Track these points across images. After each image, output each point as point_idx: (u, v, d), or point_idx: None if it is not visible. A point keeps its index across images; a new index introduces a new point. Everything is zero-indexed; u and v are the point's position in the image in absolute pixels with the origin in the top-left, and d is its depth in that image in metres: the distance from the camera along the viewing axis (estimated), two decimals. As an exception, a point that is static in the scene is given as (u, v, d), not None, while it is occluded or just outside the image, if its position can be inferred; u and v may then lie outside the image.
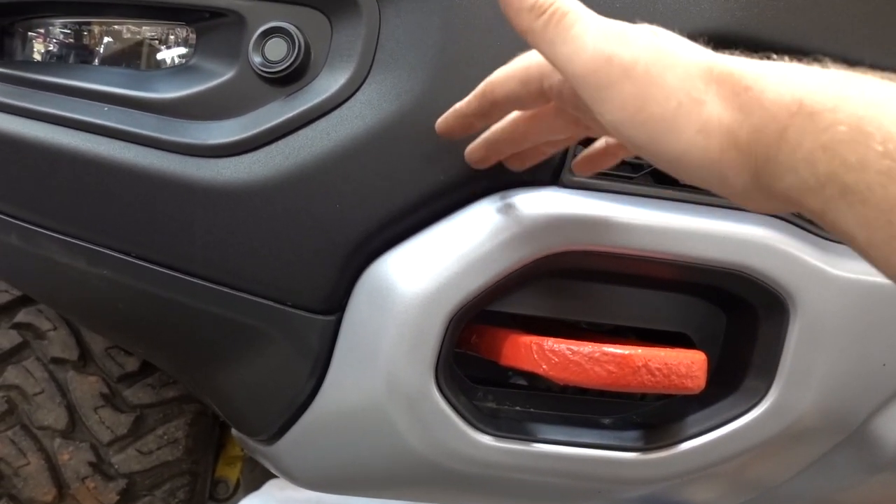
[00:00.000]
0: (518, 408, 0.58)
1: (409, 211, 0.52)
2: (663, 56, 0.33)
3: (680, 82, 0.32)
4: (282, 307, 0.55)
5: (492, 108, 0.44)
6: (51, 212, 0.55)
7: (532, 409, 0.58)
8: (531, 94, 0.41)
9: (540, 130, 0.45)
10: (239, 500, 1.08)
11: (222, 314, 0.56)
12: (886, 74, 0.30)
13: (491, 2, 0.51)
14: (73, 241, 0.55)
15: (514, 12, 0.37)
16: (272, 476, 1.13)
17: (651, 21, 0.51)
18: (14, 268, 0.61)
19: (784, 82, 0.30)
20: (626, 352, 0.48)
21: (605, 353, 0.48)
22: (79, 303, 0.62)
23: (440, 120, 0.48)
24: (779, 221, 0.55)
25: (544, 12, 0.35)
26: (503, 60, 0.51)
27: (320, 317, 0.55)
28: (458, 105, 0.46)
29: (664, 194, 0.55)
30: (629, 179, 0.56)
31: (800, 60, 0.33)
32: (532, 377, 0.62)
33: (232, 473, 1.06)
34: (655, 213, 0.53)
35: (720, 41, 0.52)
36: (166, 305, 0.56)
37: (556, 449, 0.55)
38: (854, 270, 0.55)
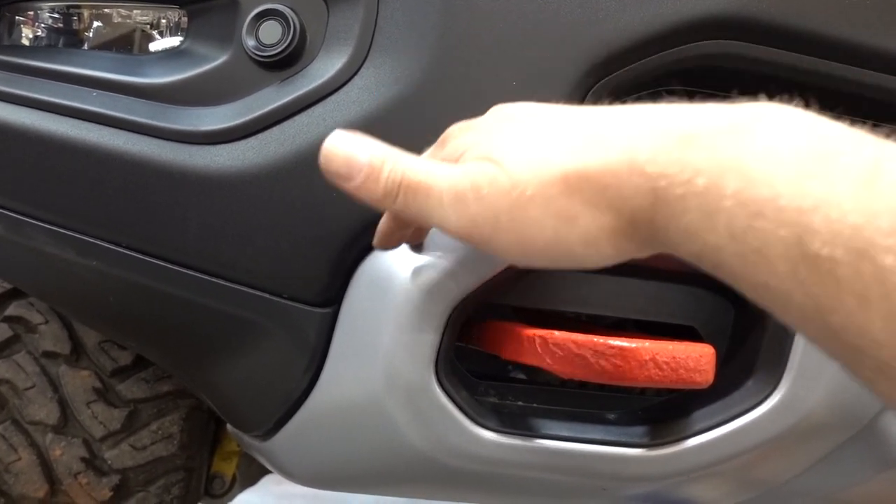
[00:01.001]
0: (520, 402, 0.57)
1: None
2: (518, 195, 0.33)
3: (545, 210, 0.33)
4: (277, 299, 0.53)
5: (406, 223, 0.46)
6: (38, 201, 0.54)
7: (535, 404, 0.57)
8: None
9: None
10: (235, 495, 1.07)
11: (216, 307, 0.54)
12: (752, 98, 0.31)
13: (493, -17, 0.49)
14: (62, 230, 0.54)
15: (375, 203, 0.38)
16: (268, 472, 1.11)
17: (659, 3, 0.50)
18: (2, 259, 0.59)
19: (635, 171, 0.31)
20: (633, 345, 0.46)
21: (612, 347, 0.46)
22: (68, 295, 0.60)
23: (374, 241, 0.49)
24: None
25: (397, 195, 0.37)
26: (503, 43, 0.50)
27: (317, 309, 0.53)
28: (380, 226, 0.48)
29: (671, 183, 0.53)
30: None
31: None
32: (530, 371, 0.61)
33: (228, 469, 1.04)
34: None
35: (725, 27, 0.51)
36: (158, 298, 0.55)
37: (559, 445, 0.54)
38: (866, 261, 0.53)
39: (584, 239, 0.33)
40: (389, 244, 0.49)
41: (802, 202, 0.25)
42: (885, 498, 0.69)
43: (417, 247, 0.51)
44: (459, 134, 0.40)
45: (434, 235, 0.51)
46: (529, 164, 0.34)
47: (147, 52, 0.59)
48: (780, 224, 0.26)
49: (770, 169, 0.27)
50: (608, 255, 0.34)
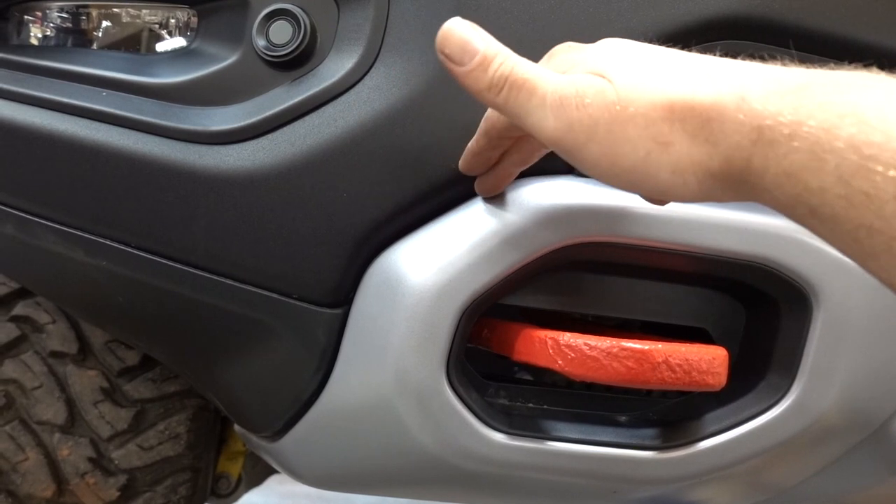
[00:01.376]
0: (531, 404, 0.57)
1: (420, 200, 0.51)
2: (621, 110, 0.34)
3: (643, 131, 0.33)
4: (287, 300, 0.53)
5: (499, 141, 0.45)
6: (47, 200, 0.54)
7: (545, 406, 0.57)
8: None
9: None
10: (241, 495, 1.07)
11: (225, 307, 0.54)
12: (855, 67, 0.32)
13: (505, -18, 0.49)
14: (71, 230, 0.54)
15: (478, 93, 0.38)
16: (274, 471, 1.11)
17: (669, 4, 0.50)
18: (10, 259, 0.59)
19: (743, 108, 0.31)
20: (646, 347, 0.46)
21: (624, 349, 0.46)
22: (77, 295, 0.60)
23: (461, 162, 0.48)
24: (802, 212, 0.53)
25: (502, 88, 0.37)
26: (516, 43, 0.50)
27: (327, 310, 0.53)
28: (470, 144, 0.47)
29: (683, 184, 0.53)
30: (647, 168, 0.54)
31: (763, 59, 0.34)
32: (537, 372, 0.61)
33: (234, 469, 1.04)
34: (675, 203, 0.51)
35: (738, 27, 0.51)
36: (167, 298, 0.55)
37: (570, 447, 0.53)
38: (880, 263, 0.53)
39: (674, 167, 0.33)
40: (474, 166, 0.48)
41: None
42: (893, 502, 0.69)
43: (496, 197, 0.49)
44: (569, 51, 0.40)
45: (446, 233, 0.50)
46: (638, 85, 0.34)
47: (155, 52, 0.58)
48: (893, 166, 0.26)
49: (886, 116, 0.27)
50: (692, 189, 0.34)
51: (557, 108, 0.35)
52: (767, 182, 0.31)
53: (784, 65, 0.33)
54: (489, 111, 0.44)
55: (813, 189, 0.29)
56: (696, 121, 0.32)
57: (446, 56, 0.39)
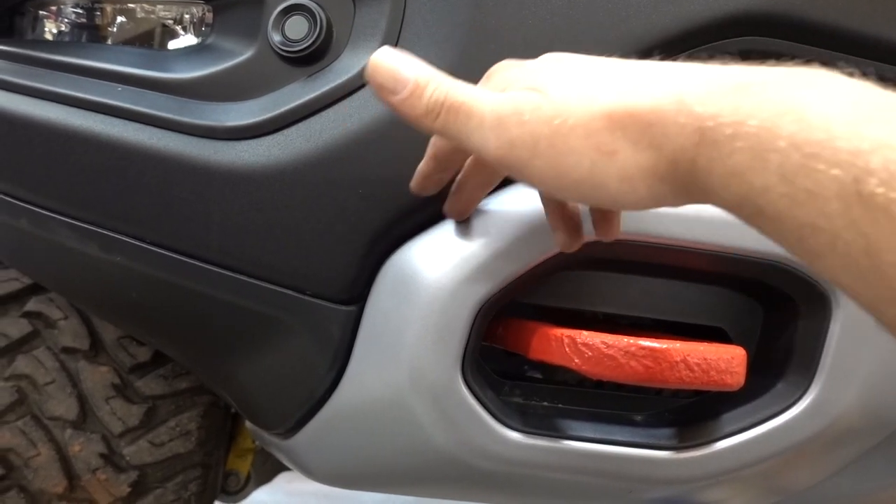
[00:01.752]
0: (546, 403, 0.57)
1: (435, 197, 0.50)
2: (560, 123, 0.34)
3: (585, 142, 0.33)
4: (301, 296, 0.53)
5: (447, 163, 0.46)
6: (62, 195, 0.54)
7: (560, 405, 0.57)
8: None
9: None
10: (250, 493, 1.07)
11: (239, 303, 0.54)
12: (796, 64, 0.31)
13: (522, -22, 0.49)
14: (86, 226, 0.54)
15: (415, 120, 0.38)
16: (283, 469, 1.11)
17: (684, 4, 0.49)
18: (24, 254, 0.60)
19: (682, 111, 0.31)
20: (664, 346, 0.46)
21: (642, 348, 0.46)
22: (91, 291, 0.60)
23: (412, 183, 0.49)
24: (821, 211, 0.53)
25: (439, 114, 0.37)
26: (532, 39, 0.50)
27: (341, 307, 0.53)
28: (420, 166, 0.48)
29: (701, 182, 0.52)
30: (664, 166, 0.53)
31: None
32: (548, 370, 0.60)
33: (243, 466, 1.04)
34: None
35: (757, 23, 0.50)
36: (181, 294, 0.55)
37: (586, 446, 0.53)
38: (901, 262, 0.53)
39: (621, 175, 0.33)
40: (426, 188, 0.48)
41: (860, 144, 0.26)
42: (912, 503, 0.69)
43: (463, 223, 0.50)
44: (506, 69, 0.40)
45: (462, 230, 0.50)
46: (574, 96, 0.34)
47: (165, 47, 0.58)
48: (835, 164, 0.26)
49: (827, 113, 0.27)
50: (642, 195, 0.33)
51: (496, 127, 0.35)
52: (714, 183, 0.30)
53: (724, 64, 0.33)
54: (434, 136, 0.44)
55: (758, 189, 0.28)
56: (637, 127, 0.32)
57: (378, 86, 0.39)
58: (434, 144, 0.45)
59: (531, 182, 0.36)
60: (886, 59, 0.52)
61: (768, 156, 0.28)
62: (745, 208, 0.30)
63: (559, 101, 0.34)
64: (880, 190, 0.25)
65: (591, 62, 0.37)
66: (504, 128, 0.35)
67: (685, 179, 0.32)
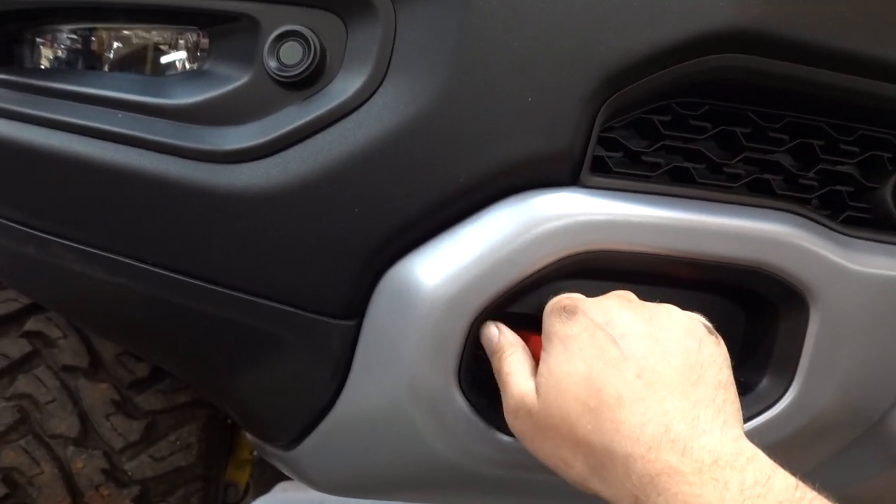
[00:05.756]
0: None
1: (429, 213, 0.52)
2: (542, 433, 0.46)
3: (554, 450, 0.46)
4: (301, 312, 0.54)
5: None
6: (66, 221, 0.55)
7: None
8: None
9: None
10: (249, 502, 1.08)
11: (241, 321, 0.55)
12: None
13: (507, 4, 0.50)
14: (90, 249, 0.55)
15: (491, 352, 0.52)
16: (282, 478, 1.12)
17: (667, 20, 0.51)
18: (28, 277, 0.61)
19: (633, 469, 0.40)
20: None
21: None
22: (95, 312, 0.61)
23: None
24: (797, 217, 0.55)
25: (499, 351, 0.51)
26: (518, 61, 0.51)
27: (340, 321, 0.55)
28: None
29: (682, 192, 0.55)
30: (647, 178, 0.56)
31: None
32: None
33: (241, 477, 1.05)
34: (673, 212, 0.53)
35: (734, 41, 0.52)
36: (184, 313, 0.56)
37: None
38: (874, 265, 0.55)
39: (572, 481, 0.46)
40: None
41: None
42: (892, 494, 0.71)
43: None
44: (577, 325, 0.47)
45: (455, 245, 0.52)
46: (558, 414, 0.45)
47: (167, 73, 0.60)
48: None
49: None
50: (583, 492, 0.45)
51: (510, 413, 0.49)
52: None
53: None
54: None
55: None
56: (593, 462, 0.43)
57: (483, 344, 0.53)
58: None
59: (517, 437, 0.50)
60: (860, 72, 0.54)
61: None
62: None
63: (545, 414, 0.45)
64: None
65: (602, 373, 0.44)
66: (510, 413, 0.49)
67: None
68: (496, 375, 0.51)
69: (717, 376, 0.44)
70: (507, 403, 0.49)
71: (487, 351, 0.52)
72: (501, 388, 0.50)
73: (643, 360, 0.43)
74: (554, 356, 0.46)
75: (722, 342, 0.47)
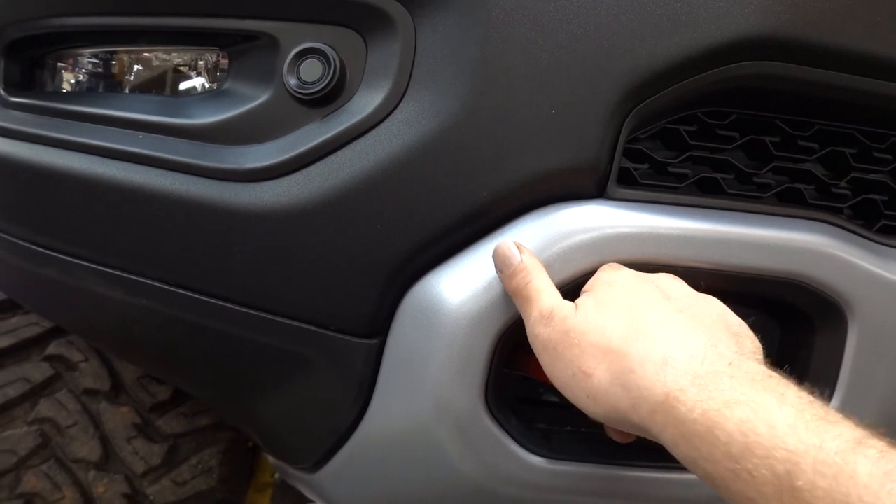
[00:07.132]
0: (569, 428, 0.57)
1: (453, 229, 0.51)
2: (571, 338, 0.44)
3: (575, 359, 0.43)
4: (324, 332, 0.54)
5: None
6: (88, 242, 0.55)
7: (583, 429, 0.57)
8: None
9: None
10: (270, 527, 1.06)
11: (263, 341, 0.55)
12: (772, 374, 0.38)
13: (528, 16, 0.50)
14: (111, 271, 0.55)
15: (509, 294, 0.49)
16: (303, 502, 1.11)
17: (692, 28, 0.50)
18: (49, 300, 0.60)
19: (660, 372, 0.39)
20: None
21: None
22: (116, 334, 0.61)
23: None
24: (831, 227, 0.54)
25: (517, 296, 0.48)
26: (541, 73, 0.51)
27: (364, 340, 0.54)
28: None
29: (711, 203, 0.53)
30: (674, 190, 0.54)
31: None
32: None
33: (262, 500, 1.04)
34: (703, 224, 0.52)
35: (759, 48, 0.51)
36: (205, 334, 0.55)
37: (610, 470, 0.53)
38: (913, 275, 0.53)
39: (589, 393, 0.42)
40: None
41: (797, 445, 0.33)
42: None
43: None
44: (605, 284, 0.47)
45: (480, 261, 0.51)
46: (594, 322, 0.43)
47: (187, 93, 0.60)
48: (772, 457, 0.33)
49: (774, 414, 0.34)
50: (601, 416, 0.42)
51: (537, 321, 0.46)
52: (666, 438, 0.38)
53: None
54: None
55: (705, 457, 0.35)
56: (620, 367, 0.41)
57: (495, 264, 0.50)
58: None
59: (539, 359, 0.46)
60: (892, 77, 0.53)
61: (718, 434, 0.35)
62: (695, 469, 0.37)
63: (581, 321, 0.43)
64: (806, 486, 0.32)
65: (644, 301, 0.44)
66: (539, 323, 0.46)
67: (639, 424, 0.39)
68: (514, 293, 0.48)
69: (754, 347, 0.44)
70: (539, 310, 0.46)
71: (500, 269, 0.49)
72: (526, 303, 0.47)
73: (686, 307, 0.44)
74: (600, 290, 0.46)
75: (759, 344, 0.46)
